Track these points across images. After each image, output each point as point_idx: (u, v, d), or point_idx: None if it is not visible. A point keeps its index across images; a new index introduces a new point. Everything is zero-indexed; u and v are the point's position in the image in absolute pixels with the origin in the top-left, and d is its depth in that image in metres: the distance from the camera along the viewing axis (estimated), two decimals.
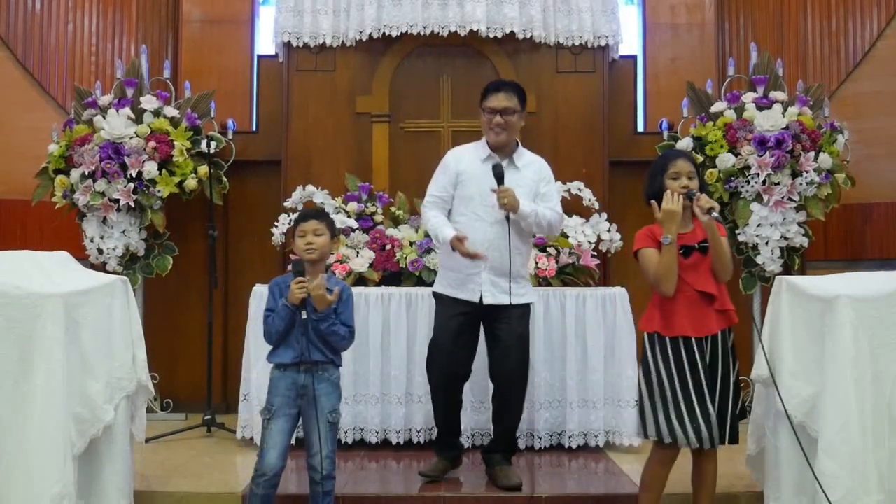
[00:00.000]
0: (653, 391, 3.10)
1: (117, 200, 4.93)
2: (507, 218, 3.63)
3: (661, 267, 3.06)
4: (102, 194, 4.93)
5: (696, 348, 3.08)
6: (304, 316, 3.07)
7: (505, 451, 3.85)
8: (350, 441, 4.42)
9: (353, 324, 3.24)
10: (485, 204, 3.70)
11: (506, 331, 3.73)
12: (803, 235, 4.97)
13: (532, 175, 3.82)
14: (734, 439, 3.10)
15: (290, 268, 3.20)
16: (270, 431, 3.14)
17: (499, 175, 3.64)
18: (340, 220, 4.96)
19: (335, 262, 4.81)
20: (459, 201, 3.78)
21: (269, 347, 3.24)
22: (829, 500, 2.80)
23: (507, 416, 3.82)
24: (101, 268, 4.95)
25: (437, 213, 3.79)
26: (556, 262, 4.86)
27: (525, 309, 3.80)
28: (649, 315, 3.17)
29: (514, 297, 3.70)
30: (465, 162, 3.82)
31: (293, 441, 3.27)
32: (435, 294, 3.89)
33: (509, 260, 3.64)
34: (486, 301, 3.70)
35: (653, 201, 3.13)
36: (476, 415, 4.39)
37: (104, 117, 5.02)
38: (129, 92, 5.16)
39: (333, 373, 3.22)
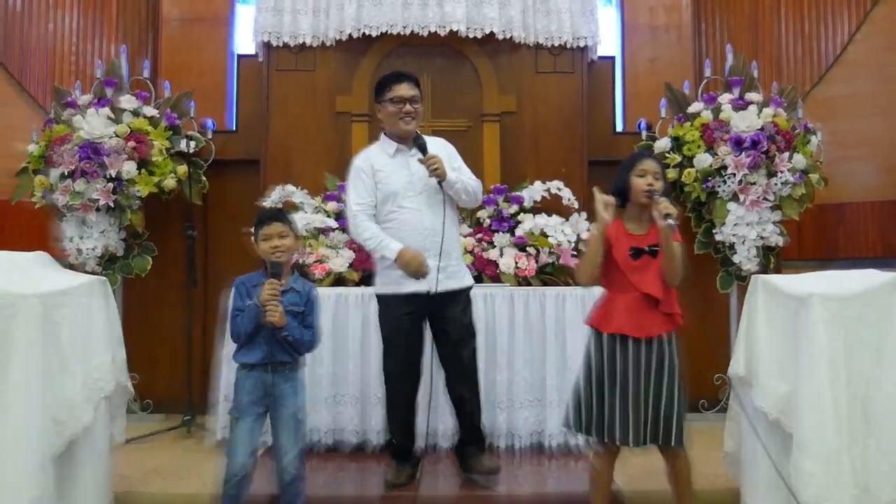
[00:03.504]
0: (587, 385, 3.14)
1: (96, 200, 4.89)
2: (440, 185, 3.65)
3: (583, 261, 3.15)
4: (81, 194, 4.89)
5: (631, 347, 3.09)
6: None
7: (477, 442, 3.85)
8: (329, 442, 4.41)
9: (319, 326, 3.22)
10: (410, 194, 3.71)
11: (452, 324, 3.71)
12: (779, 235, 5.02)
13: (442, 154, 3.79)
14: (679, 440, 3.08)
15: (265, 269, 3.17)
16: (238, 431, 3.12)
17: (422, 146, 3.68)
18: (320, 220, 4.95)
19: (314, 262, 4.80)
20: (383, 201, 3.74)
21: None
22: (796, 498, 2.83)
23: (470, 408, 3.80)
24: (81, 268, 4.91)
25: (372, 226, 3.71)
26: (536, 261, 4.87)
27: (468, 295, 3.80)
28: (594, 309, 3.22)
29: (462, 279, 3.75)
30: (377, 162, 3.79)
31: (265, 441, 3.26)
32: (378, 297, 3.82)
33: (443, 237, 3.64)
34: (440, 288, 3.66)
35: (595, 188, 3.16)
36: (453, 416, 4.37)
37: (83, 117, 4.98)
38: (109, 92, 5.12)
39: (299, 373, 3.21)
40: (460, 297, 3.76)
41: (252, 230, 3.26)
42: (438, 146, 3.86)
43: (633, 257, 3.13)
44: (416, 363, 3.77)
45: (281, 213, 3.33)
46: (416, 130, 3.82)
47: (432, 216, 3.70)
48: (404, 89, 3.76)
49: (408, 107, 3.75)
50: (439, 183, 3.67)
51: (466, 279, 3.83)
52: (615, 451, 3.16)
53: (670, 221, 3.01)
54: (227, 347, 4.36)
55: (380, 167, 3.77)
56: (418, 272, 3.62)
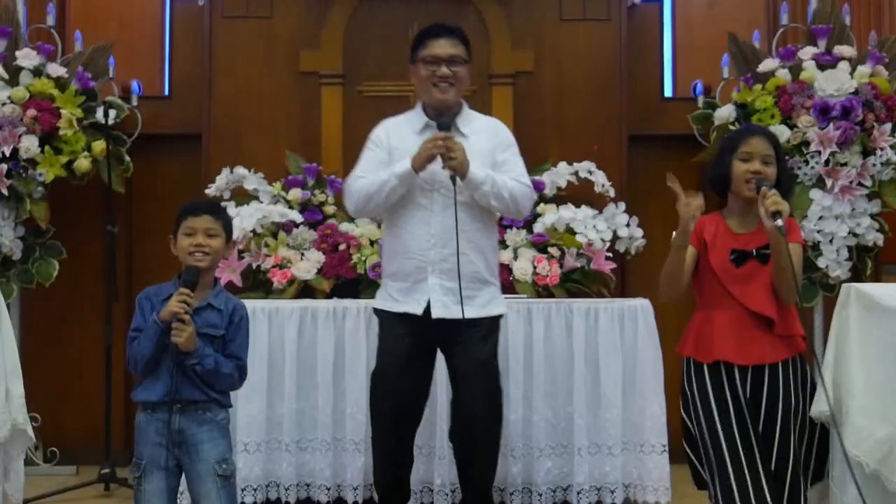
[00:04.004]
0: (700, 434, 3.16)
1: None
2: (453, 180, 3.58)
3: (663, 270, 3.15)
4: None
5: (738, 379, 3.10)
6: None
7: None
8: (292, 501, 4.40)
9: (244, 356, 3.18)
10: (425, 187, 3.70)
11: (462, 356, 3.70)
12: (877, 231, 5.01)
13: (484, 143, 3.78)
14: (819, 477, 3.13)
15: (179, 277, 3.13)
16: (144, 495, 3.07)
17: (445, 124, 3.66)
18: (279, 213, 4.94)
19: (273, 266, 4.79)
20: None
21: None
22: None
23: (475, 473, 3.81)
24: None
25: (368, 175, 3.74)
26: (560, 265, 4.86)
27: (490, 326, 3.77)
28: (684, 333, 3.23)
29: (469, 309, 3.62)
30: (397, 137, 3.81)
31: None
32: (376, 312, 3.87)
33: (458, 256, 3.60)
34: (436, 314, 3.66)
35: (669, 177, 3.13)
36: (454, 467, 4.37)
37: None
38: (1, 45, 5.11)
39: (218, 414, 3.16)
40: (480, 324, 3.73)
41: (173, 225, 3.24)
42: (485, 130, 3.84)
43: (736, 263, 3.13)
44: (413, 403, 3.79)
45: (215, 207, 3.31)
46: (460, 100, 3.82)
47: (449, 221, 3.64)
48: (441, 46, 3.76)
49: (444, 69, 3.73)
50: (452, 178, 3.59)
51: (492, 308, 3.79)
52: None
53: (779, 222, 2.98)
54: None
55: (397, 144, 3.77)
56: (429, 155, 3.59)
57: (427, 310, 3.68)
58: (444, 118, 3.71)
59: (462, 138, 3.71)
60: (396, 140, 3.80)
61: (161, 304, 3.08)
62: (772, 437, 3.10)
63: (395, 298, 3.75)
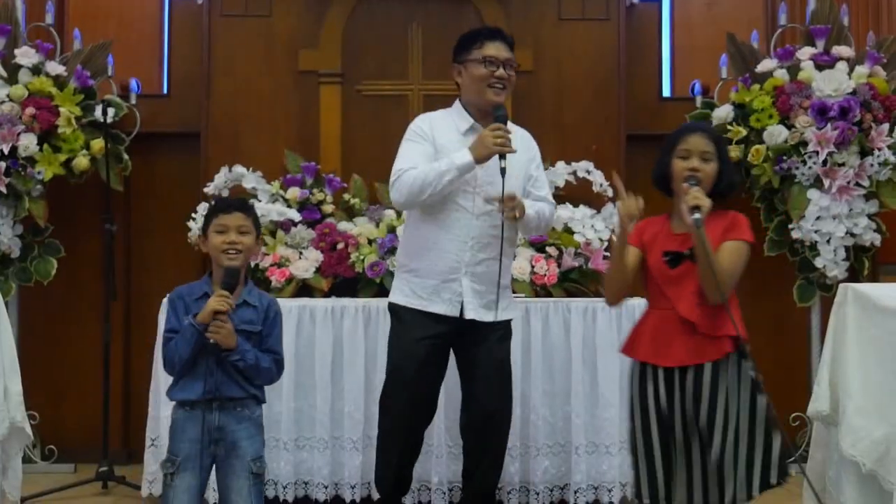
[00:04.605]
0: (631, 433, 3.18)
1: None
2: (503, 217, 3.63)
3: (605, 273, 3.17)
4: None
5: (663, 379, 3.10)
6: (213, 340, 3.05)
7: None
8: (290, 499, 4.41)
9: (281, 350, 3.24)
10: (467, 189, 3.70)
11: (485, 355, 3.76)
12: (875, 231, 5.01)
13: (523, 154, 3.83)
14: (778, 478, 3.07)
15: (209, 274, 3.16)
16: (175, 491, 3.10)
17: (502, 117, 3.66)
18: (278, 212, 4.94)
19: (271, 265, 4.79)
20: None
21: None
22: None
23: (484, 470, 3.83)
24: None
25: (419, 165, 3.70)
26: (558, 265, 4.87)
27: (507, 328, 3.87)
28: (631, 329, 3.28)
29: (500, 313, 3.77)
30: (442, 134, 3.79)
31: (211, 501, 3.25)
32: (393, 307, 3.86)
33: (500, 264, 3.68)
34: (469, 315, 3.72)
35: (614, 176, 3.22)
36: (454, 464, 4.38)
37: None
38: (0, 42, 5.11)
39: (255, 410, 3.21)
40: (501, 326, 3.83)
41: (202, 223, 3.26)
42: (521, 140, 3.85)
43: (671, 264, 3.12)
44: (428, 400, 3.84)
45: (246, 204, 3.35)
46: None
47: (487, 227, 3.72)
48: (500, 49, 3.77)
49: (502, 71, 3.75)
50: (500, 218, 3.64)
51: (510, 312, 3.89)
52: None
53: (696, 216, 2.96)
54: (157, 378, 4.37)
55: (443, 142, 3.76)
56: (490, 148, 3.58)
57: (460, 311, 3.72)
58: (501, 110, 3.70)
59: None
60: (442, 137, 3.77)
61: (194, 304, 3.12)
62: (708, 430, 3.06)
63: (420, 296, 3.75)
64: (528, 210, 3.70)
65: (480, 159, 3.59)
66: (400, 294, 3.83)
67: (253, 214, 3.28)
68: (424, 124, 3.84)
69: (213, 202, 3.28)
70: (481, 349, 3.77)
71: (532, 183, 3.87)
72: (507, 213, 3.59)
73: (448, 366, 3.88)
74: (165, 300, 4.34)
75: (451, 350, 3.85)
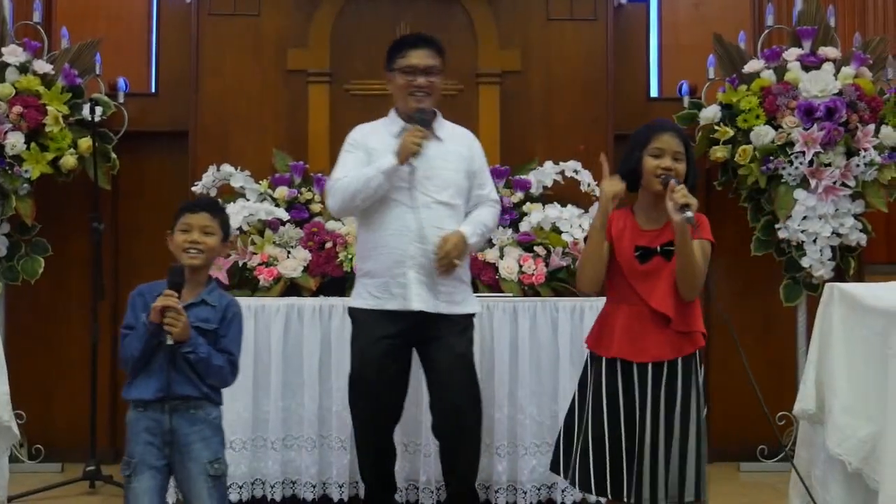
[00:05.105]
0: (580, 421, 3.18)
1: None
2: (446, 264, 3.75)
3: (581, 256, 3.19)
4: None
5: (636, 375, 3.12)
6: (170, 341, 3.00)
7: None
8: (278, 498, 4.41)
9: (236, 352, 3.17)
10: (402, 185, 3.77)
11: (444, 350, 3.78)
12: (861, 231, 5.03)
13: (460, 149, 3.94)
14: (693, 494, 3.10)
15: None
16: (134, 493, 3.06)
17: (422, 120, 3.77)
18: (266, 211, 4.93)
19: (259, 264, 4.78)
20: None
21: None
22: None
23: (460, 467, 3.86)
24: None
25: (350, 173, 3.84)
26: (546, 264, 4.87)
27: (466, 322, 3.88)
28: (593, 325, 3.28)
29: (448, 305, 3.79)
30: (375, 139, 3.91)
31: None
32: (351, 312, 3.92)
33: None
34: (416, 306, 3.73)
35: (602, 157, 3.25)
36: (439, 464, 4.38)
37: None
38: None
39: (211, 412, 3.15)
40: (457, 320, 3.84)
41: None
42: (460, 136, 4.00)
43: (641, 260, 3.15)
44: (391, 403, 3.85)
45: (214, 205, 3.33)
46: (434, 109, 3.92)
47: (422, 219, 3.76)
48: (419, 57, 3.87)
49: (420, 79, 3.85)
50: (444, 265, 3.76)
51: (467, 306, 3.91)
52: None
53: (688, 214, 3.00)
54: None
55: (375, 145, 3.87)
56: (410, 148, 3.70)
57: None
58: (420, 114, 3.80)
59: (439, 143, 3.86)
60: (374, 142, 3.89)
61: (153, 302, 3.08)
62: (674, 429, 3.10)
63: (374, 296, 3.80)
64: (470, 239, 3.80)
65: (402, 160, 3.70)
66: (358, 298, 3.88)
67: (221, 216, 3.25)
68: (356, 134, 4.00)
69: (183, 203, 3.25)
70: (441, 344, 3.78)
71: (475, 178, 3.96)
72: (443, 270, 3.72)
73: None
74: None
75: (415, 351, 3.88)
